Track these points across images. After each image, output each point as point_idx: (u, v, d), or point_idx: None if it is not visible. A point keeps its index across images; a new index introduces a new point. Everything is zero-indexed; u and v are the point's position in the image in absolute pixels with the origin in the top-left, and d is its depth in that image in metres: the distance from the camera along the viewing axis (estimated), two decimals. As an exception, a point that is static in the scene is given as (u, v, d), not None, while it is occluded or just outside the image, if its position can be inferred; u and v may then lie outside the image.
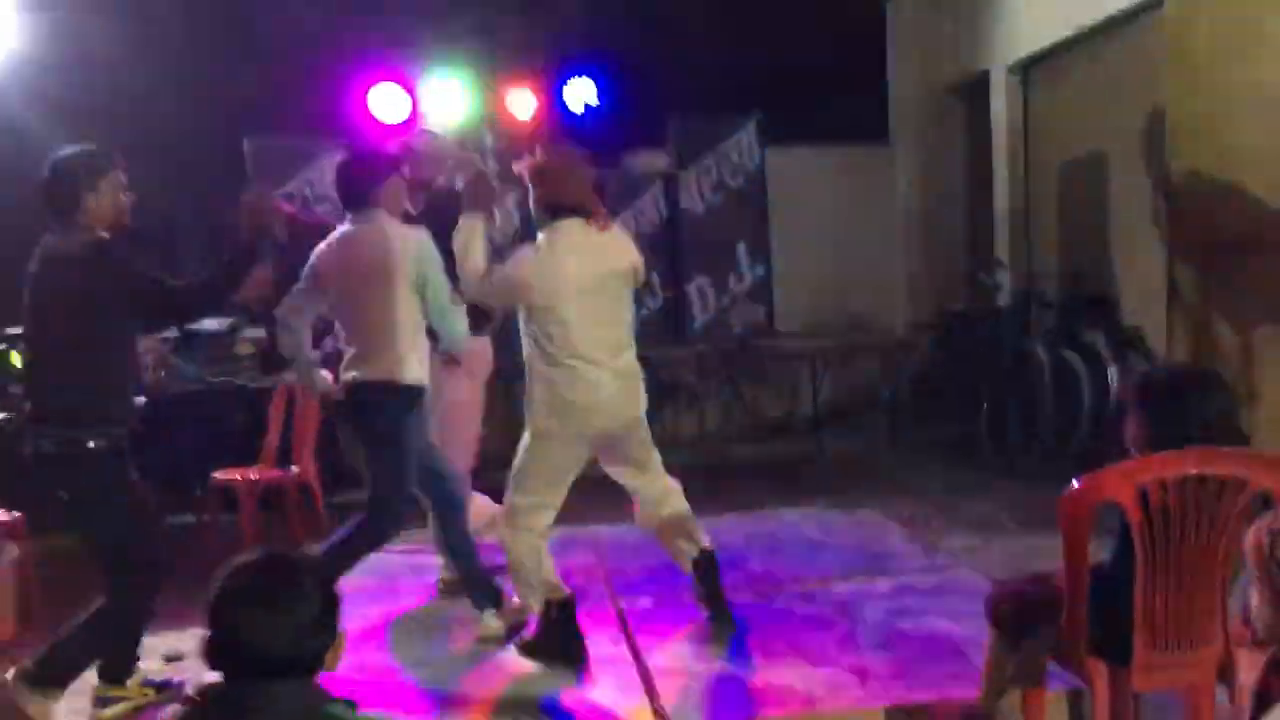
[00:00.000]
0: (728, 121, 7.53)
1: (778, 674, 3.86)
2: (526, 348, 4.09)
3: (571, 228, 4.03)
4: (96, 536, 3.86)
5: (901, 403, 8.57)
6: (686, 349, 7.91)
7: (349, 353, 4.38)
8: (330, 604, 1.99)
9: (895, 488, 6.93)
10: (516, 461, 4.17)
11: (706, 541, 4.41)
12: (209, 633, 1.93)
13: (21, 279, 3.85)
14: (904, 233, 9.72)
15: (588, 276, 4.00)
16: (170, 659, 4.62)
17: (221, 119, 7.07)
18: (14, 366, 5.94)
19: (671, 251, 7.46)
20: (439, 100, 6.95)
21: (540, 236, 4.08)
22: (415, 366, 4.32)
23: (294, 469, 6.02)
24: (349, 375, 4.34)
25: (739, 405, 8.41)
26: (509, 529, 4.13)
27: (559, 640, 4.09)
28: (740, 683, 3.83)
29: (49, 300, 3.83)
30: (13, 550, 4.73)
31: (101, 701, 4.10)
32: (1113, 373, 6.77)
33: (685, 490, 4.43)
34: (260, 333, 7.04)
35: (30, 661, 3.84)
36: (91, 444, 3.71)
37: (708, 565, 4.37)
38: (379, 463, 4.31)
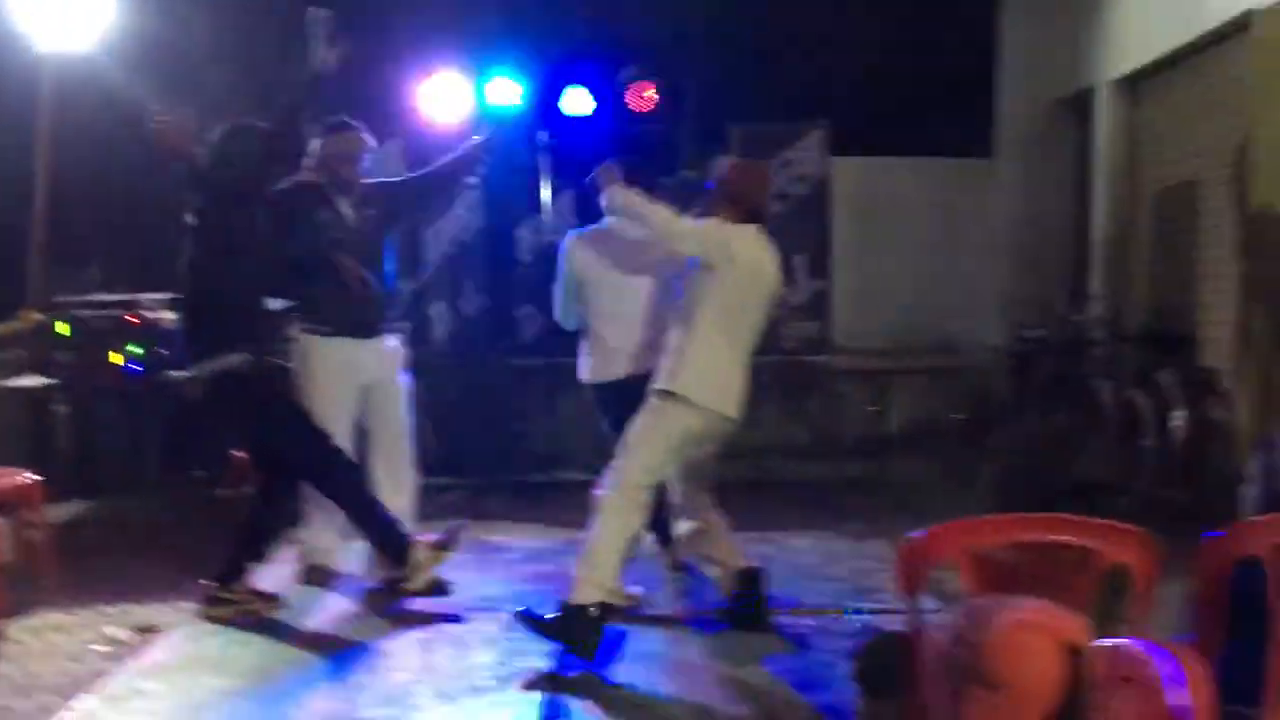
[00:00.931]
0: (791, 130, 7.29)
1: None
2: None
3: (754, 232, 4.19)
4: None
5: (972, 430, 8.16)
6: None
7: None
8: None
9: (937, 517, 6.58)
10: (646, 431, 4.12)
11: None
12: None
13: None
14: (999, 252, 9.29)
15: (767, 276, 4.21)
16: (143, 630, 4.81)
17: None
18: (61, 336, 6.27)
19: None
20: (495, 94, 6.97)
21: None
22: None
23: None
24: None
25: (799, 422, 8.18)
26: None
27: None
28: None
29: None
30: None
31: (210, 600, 4.52)
32: (1177, 416, 6.28)
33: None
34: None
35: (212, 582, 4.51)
36: None
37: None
38: None
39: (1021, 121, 9.22)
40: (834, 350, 7.74)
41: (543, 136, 6.65)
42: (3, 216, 8.55)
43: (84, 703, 3.68)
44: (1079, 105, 8.59)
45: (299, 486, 4.84)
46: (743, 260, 4.10)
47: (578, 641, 3.95)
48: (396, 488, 5.03)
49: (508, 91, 6.93)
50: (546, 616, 4.06)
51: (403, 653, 4.22)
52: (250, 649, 4.24)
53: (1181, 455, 6.22)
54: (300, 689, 3.83)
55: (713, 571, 4.60)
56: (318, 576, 5.07)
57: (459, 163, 5.17)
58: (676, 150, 8.48)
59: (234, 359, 4.47)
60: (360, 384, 4.98)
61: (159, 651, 4.26)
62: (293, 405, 4.74)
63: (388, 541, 4.67)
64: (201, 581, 4.60)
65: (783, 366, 7.69)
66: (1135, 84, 7.80)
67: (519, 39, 7.13)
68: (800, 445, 8.26)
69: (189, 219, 4.53)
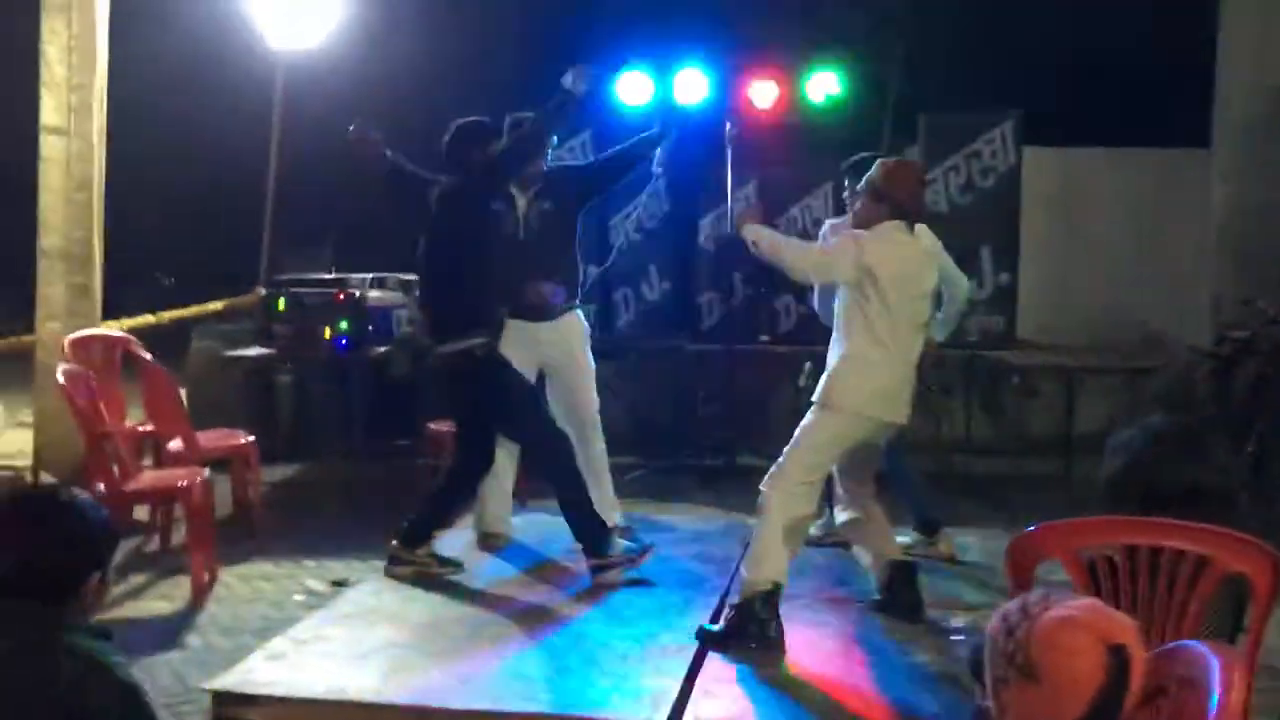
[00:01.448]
0: (982, 119, 7.14)
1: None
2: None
3: (896, 231, 4.21)
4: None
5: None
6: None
7: None
8: (95, 536, 2.12)
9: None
10: (809, 434, 4.22)
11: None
12: None
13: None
14: (1213, 248, 8.83)
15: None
16: (336, 583, 5.27)
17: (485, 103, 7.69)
18: (279, 311, 6.84)
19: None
20: (685, 87, 7.16)
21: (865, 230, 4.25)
22: None
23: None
24: None
25: (985, 416, 8.04)
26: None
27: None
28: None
29: None
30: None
31: (394, 560, 4.94)
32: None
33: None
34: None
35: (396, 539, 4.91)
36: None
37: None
38: None
39: (1241, 107, 8.71)
40: (1019, 345, 7.54)
41: (728, 127, 6.77)
42: (244, 202, 9.39)
43: (274, 644, 4.08)
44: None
45: (489, 463, 5.13)
46: (883, 269, 4.12)
47: (754, 637, 4.06)
48: (594, 478, 5.23)
49: (695, 84, 7.10)
50: (718, 627, 4.19)
51: (559, 617, 4.47)
52: (424, 605, 4.58)
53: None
54: (462, 644, 4.13)
55: (867, 561, 4.65)
56: (492, 543, 5.40)
57: (640, 145, 5.31)
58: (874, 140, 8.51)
59: (475, 341, 4.79)
60: (539, 362, 5.28)
61: (345, 603, 4.66)
62: (523, 386, 5.03)
63: (588, 529, 4.85)
64: (392, 542, 4.98)
65: (968, 360, 7.59)
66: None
67: (707, 32, 7.28)
68: (984, 440, 8.12)
69: (432, 211, 4.87)
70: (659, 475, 7.42)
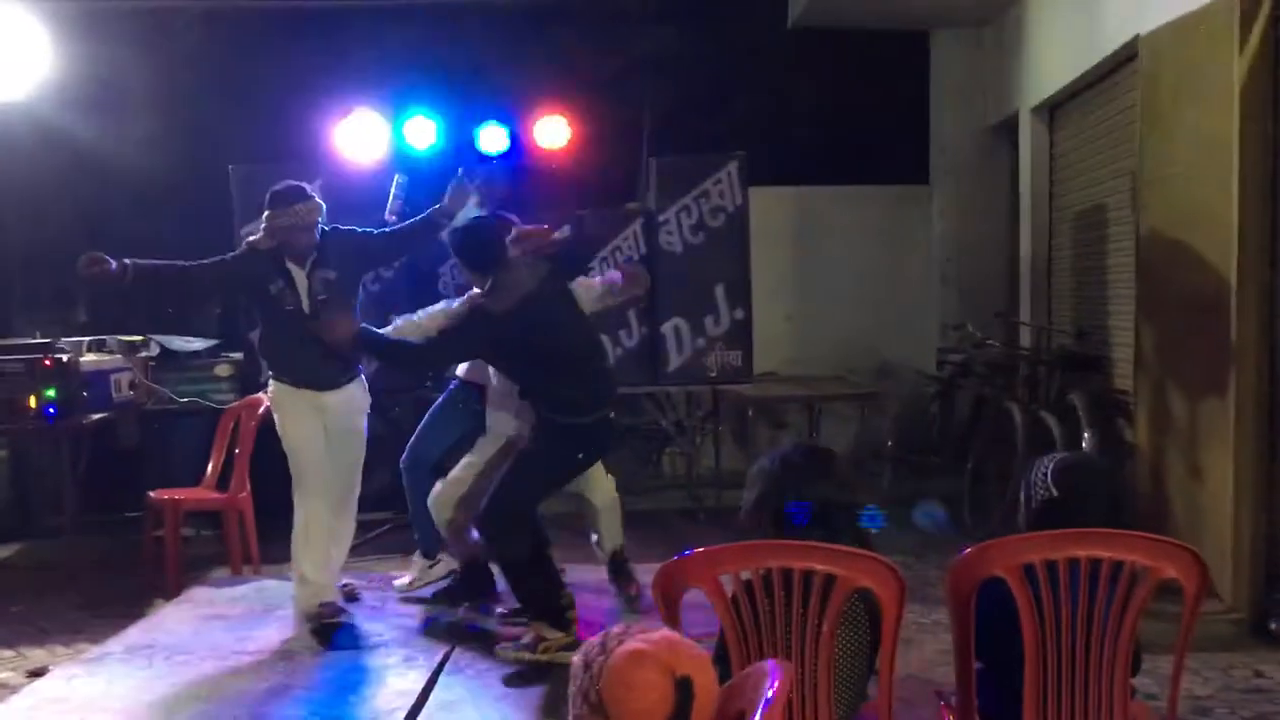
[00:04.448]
0: (709, 161, 7.36)
1: None
2: None
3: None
4: None
5: (902, 456, 8.22)
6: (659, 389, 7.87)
7: None
8: None
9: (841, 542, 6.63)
10: None
11: None
12: None
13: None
14: (936, 278, 9.40)
15: None
16: (33, 673, 4.86)
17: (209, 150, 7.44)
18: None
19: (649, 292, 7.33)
20: (416, 134, 7.07)
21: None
22: None
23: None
24: None
25: (727, 450, 8.24)
26: None
27: None
28: None
29: None
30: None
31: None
32: (1087, 438, 6.30)
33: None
34: (238, 355, 7.31)
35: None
36: None
37: None
38: None
39: (952, 146, 9.34)
40: (758, 379, 7.78)
41: (460, 174, 6.71)
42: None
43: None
44: (1009, 132, 8.70)
45: None
46: None
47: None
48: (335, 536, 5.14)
49: (424, 130, 7.04)
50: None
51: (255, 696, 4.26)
52: (122, 692, 4.28)
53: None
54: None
55: None
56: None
57: (430, 221, 5.20)
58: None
59: None
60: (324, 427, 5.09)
61: (30, 694, 4.31)
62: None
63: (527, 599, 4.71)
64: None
65: (713, 395, 7.78)
66: (1053, 110, 7.89)
67: (434, 78, 7.26)
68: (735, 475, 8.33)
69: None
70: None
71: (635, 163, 8.88)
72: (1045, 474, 2.74)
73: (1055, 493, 2.70)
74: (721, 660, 2.57)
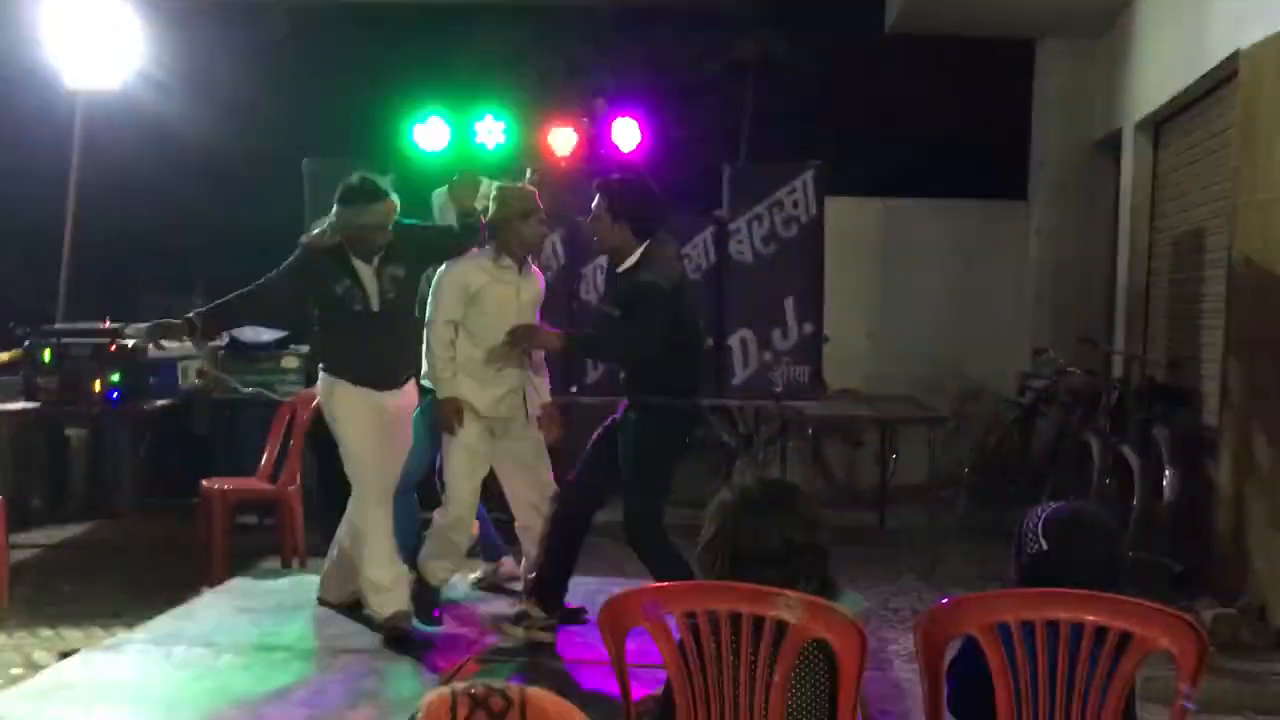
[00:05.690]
0: (783, 170, 7.12)
1: None
2: None
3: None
4: None
5: (979, 483, 7.85)
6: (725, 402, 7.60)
7: None
8: None
9: (899, 570, 6.39)
10: None
11: None
12: None
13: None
14: (1029, 298, 8.98)
15: None
16: (64, 654, 4.91)
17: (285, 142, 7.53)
18: (44, 363, 6.49)
19: (717, 302, 7.15)
20: (487, 135, 7.03)
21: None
22: None
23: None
24: None
25: (797, 468, 8.00)
26: None
27: None
28: None
29: None
30: None
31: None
32: (1170, 476, 5.90)
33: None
34: (305, 349, 7.35)
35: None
36: None
37: None
38: None
39: (1054, 162, 8.91)
40: (827, 395, 7.51)
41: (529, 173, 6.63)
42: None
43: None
44: (1113, 149, 8.25)
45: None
46: None
47: None
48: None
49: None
50: None
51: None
52: (134, 682, 4.27)
53: (1169, 516, 5.85)
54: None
55: None
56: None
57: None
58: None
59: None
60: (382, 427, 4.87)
61: (44, 679, 4.33)
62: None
63: (546, 585, 4.64)
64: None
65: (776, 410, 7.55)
66: (1158, 127, 7.44)
67: (514, 79, 7.23)
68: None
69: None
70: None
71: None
72: (1037, 524, 2.48)
73: (1044, 545, 2.45)
74: (667, 707, 2.40)
